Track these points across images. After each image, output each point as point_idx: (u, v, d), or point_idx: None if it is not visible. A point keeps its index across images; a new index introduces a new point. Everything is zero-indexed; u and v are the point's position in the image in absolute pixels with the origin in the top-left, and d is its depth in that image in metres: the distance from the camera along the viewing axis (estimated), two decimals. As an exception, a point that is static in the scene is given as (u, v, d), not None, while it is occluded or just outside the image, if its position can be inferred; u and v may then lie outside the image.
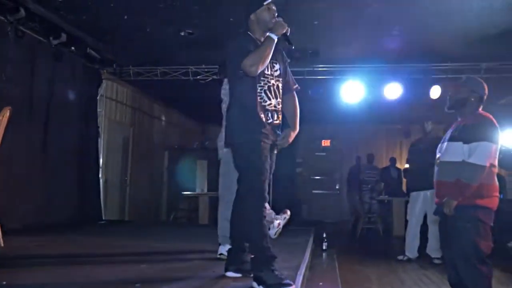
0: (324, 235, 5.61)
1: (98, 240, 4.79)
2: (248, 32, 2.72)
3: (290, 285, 2.45)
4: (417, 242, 5.55)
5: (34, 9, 5.22)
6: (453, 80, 6.35)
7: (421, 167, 5.27)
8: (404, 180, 9.58)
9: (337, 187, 12.22)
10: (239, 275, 2.74)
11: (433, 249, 5.28)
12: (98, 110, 7.38)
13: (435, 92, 7.02)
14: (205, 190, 8.01)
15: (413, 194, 5.61)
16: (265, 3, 2.67)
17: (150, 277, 2.80)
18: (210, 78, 7.28)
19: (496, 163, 2.94)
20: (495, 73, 6.69)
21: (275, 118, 2.68)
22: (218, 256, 3.46)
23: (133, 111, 8.93)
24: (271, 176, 2.76)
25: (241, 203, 2.59)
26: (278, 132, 2.73)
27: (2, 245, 3.70)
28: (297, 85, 2.93)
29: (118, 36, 6.28)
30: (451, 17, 5.35)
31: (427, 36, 6.02)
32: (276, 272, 2.46)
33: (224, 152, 3.55)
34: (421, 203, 5.47)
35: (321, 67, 7.23)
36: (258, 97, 2.61)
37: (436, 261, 5.21)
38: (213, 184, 8.55)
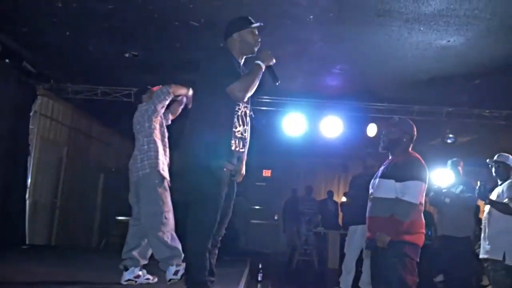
0: (260, 266, 5.57)
1: (17, 266, 4.43)
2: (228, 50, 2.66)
3: None
4: (352, 275, 5.63)
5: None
6: (386, 120, 6.70)
7: (360, 202, 5.42)
8: (341, 214, 9.86)
9: (275, 217, 12.28)
10: None
11: (365, 283, 5.37)
12: (30, 127, 6.96)
13: (372, 130, 7.35)
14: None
15: (352, 227, 5.72)
16: (251, 26, 2.68)
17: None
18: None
19: (423, 201, 3.10)
20: (426, 116, 7.13)
21: (241, 146, 2.65)
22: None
23: (69, 130, 8.53)
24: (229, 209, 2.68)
25: (190, 231, 2.48)
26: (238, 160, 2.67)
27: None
28: (252, 113, 2.94)
29: (58, 52, 6.03)
30: (387, 62, 5.69)
31: (366, 77, 6.35)
32: None
33: (144, 174, 3.51)
34: (359, 237, 5.58)
35: (265, 99, 7.35)
36: (231, 123, 2.58)
37: (368, 295, 5.31)
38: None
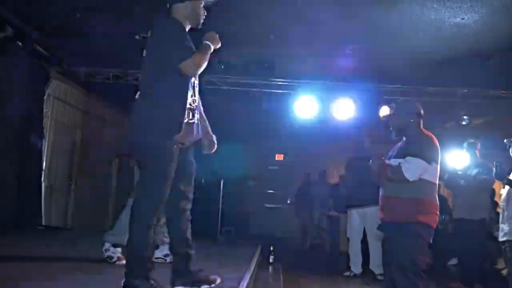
0: (271, 248, 5.60)
1: (33, 245, 4.54)
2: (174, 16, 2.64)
3: None
4: (359, 258, 5.62)
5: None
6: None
7: (355, 184, 5.40)
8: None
9: (288, 201, 12.29)
10: None
11: (376, 265, 5.36)
12: (44, 110, 7.04)
13: (384, 112, 7.25)
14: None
15: (349, 211, 5.72)
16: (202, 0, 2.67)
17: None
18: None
19: (437, 181, 3.05)
20: (440, 97, 7.00)
21: (191, 116, 2.59)
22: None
23: (82, 114, 8.60)
24: (193, 181, 2.68)
25: (134, 204, 2.45)
26: (195, 131, 2.65)
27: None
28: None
29: (69, 34, 6.04)
30: (400, 41, 5.58)
31: (378, 57, 6.23)
32: (152, 282, 2.38)
33: None
34: (358, 220, 5.56)
35: (276, 81, 7.30)
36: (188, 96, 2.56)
37: (380, 277, 5.26)
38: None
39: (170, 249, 2.68)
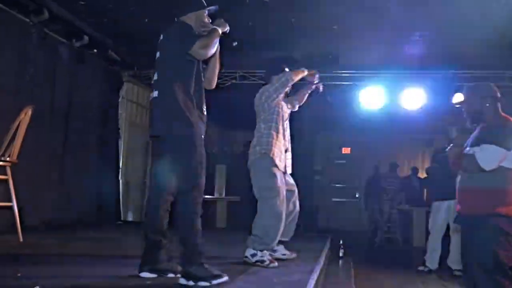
0: (341, 242, 5.52)
1: (114, 239, 4.83)
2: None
3: (222, 276, 2.42)
4: (438, 253, 5.40)
5: (58, 11, 5.34)
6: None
7: (444, 176, 5.12)
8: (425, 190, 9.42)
9: (356, 195, 12.05)
10: (154, 275, 2.59)
11: (454, 261, 5.12)
12: (119, 112, 7.48)
13: (458, 98, 6.86)
14: (223, 195, 8.02)
15: (435, 204, 5.46)
16: (206, 9, 2.80)
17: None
18: (229, 83, 7.30)
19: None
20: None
21: (205, 109, 2.70)
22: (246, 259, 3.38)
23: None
24: None
25: (182, 197, 2.51)
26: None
27: (21, 240, 3.78)
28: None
29: (139, 40, 6.36)
30: (473, 24, 5.23)
31: (450, 42, 5.91)
32: (207, 266, 2.42)
33: (252, 161, 3.53)
34: (443, 213, 5.32)
35: (340, 73, 7.17)
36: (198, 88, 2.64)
37: (457, 273, 5.04)
38: (231, 189, 8.57)
39: (144, 233, 2.68)
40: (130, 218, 7.97)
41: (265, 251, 3.35)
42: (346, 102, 7.66)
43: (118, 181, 7.41)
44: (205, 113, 2.69)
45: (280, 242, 3.63)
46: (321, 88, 3.98)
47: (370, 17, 5.25)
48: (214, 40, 2.63)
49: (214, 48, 2.64)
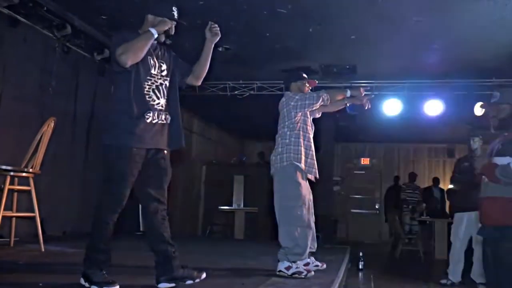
0: (361, 254, 5.45)
1: (132, 250, 4.85)
2: (139, 31, 2.65)
3: (114, 284, 2.46)
4: (461, 266, 5.27)
5: (80, 26, 5.48)
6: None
7: (466, 187, 5.02)
8: (448, 202, 9.24)
9: (376, 206, 11.91)
10: (172, 284, 2.61)
11: (478, 274, 4.98)
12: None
13: (479, 109, 6.74)
14: (242, 205, 8.01)
15: (457, 215, 5.35)
16: (169, 17, 2.69)
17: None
18: (248, 94, 7.34)
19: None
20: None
21: (162, 118, 2.63)
22: (278, 272, 3.35)
23: (172, 126, 9.11)
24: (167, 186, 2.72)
25: (98, 202, 2.60)
26: (165, 135, 2.67)
27: (43, 249, 3.84)
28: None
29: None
30: (493, 32, 5.16)
31: (469, 50, 5.83)
32: (104, 272, 2.48)
33: (277, 168, 3.50)
34: (465, 225, 5.20)
35: (358, 83, 7.13)
36: (146, 96, 2.56)
37: (481, 287, 4.91)
38: (249, 200, 8.56)
39: (150, 247, 2.71)
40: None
41: (298, 262, 3.31)
42: (364, 112, 7.59)
43: (138, 192, 7.47)
44: (148, 120, 2.57)
45: (310, 253, 3.59)
46: (368, 105, 3.88)
47: (388, 27, 5.23)
48: (136, 44, 2.46)
49: (141, 53, 2.48)
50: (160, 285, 2.58)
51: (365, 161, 12.36)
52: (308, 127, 3.61)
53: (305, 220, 3.37)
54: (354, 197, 12.22)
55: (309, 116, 3.65)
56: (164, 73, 2.69)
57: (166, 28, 2.63)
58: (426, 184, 10.22)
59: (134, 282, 2.78)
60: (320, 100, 3.53)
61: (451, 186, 9.53)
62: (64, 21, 5.20)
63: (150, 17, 2.67)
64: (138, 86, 2.54)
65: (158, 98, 2.61)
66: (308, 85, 3.80)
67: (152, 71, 2.61)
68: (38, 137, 3.78)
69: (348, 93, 3.73)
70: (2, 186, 3.64)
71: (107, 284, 2.44)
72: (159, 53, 2.69)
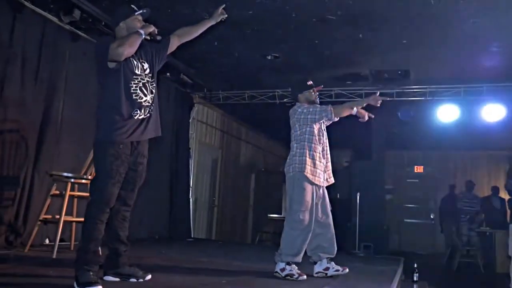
0: (415, 266, 5.25)
1: (185, 255, 4.96)
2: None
3: (97, 284, 2.50)
4: (523, 281, 4.95)
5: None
6: None
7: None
8: (510, 211, 8.74)
9: (431, 216, 11.46)
10: (117, 279, 2.81)
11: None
12: (190, 132, 7.76)
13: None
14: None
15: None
16: (136, 14, 2.84)
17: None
18: (296, 101, 7.33)
19: None
20: None
21: (147, 113, 2.80)
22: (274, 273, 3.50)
23: (222, 134, 9.27)
24: (140, 179, 2.91)
25: (89, 201, 2.69)
26: (148, 126, 2.83)
27: (100, 253, 4.00)
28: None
29: (208, 62, 6.61)
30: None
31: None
32: (91, 273, 2.54)
33: (287, 178, 3.66)
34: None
35: (411, 88, 6.93)
36: (134, 94, 2.74)
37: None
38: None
39: (105, 242, 2.83)
40: (199, 235, 8.17)
41: (293, 265, 3.46)
42: (418, 118, 7.37)
43: (189, 199, 7.65)
44: (136, 117, 2.75)
45: (330, 259, 3.69)
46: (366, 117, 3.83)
47: (442, 29, 5.04)
48: (130, 39, 2.66)
49: (133, 47, 2.66)
50: (105, 277, 2.81)
51: (418, 169, 11.95)
52: (315, 138, 3.68)
53: (305, 225, 3.51)
54: (407, 206, 11.82)
55: (316, 127, 3.71)
56: (147, 71, 2.87)
57: (151, 30, 2.80)
58: (485, 193, 9.73)
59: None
60: (324, 117, 3.62)
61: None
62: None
63: (122, 24, 2.83)
64: (125, 85, 2.73)
65: (145, 95, 2.80)
66: (314, 91, 3.82)
67: (136, 71, 2.79)
68: (96, 145, 3.95)
69: (355, 110, 3.73)
70: (64, 192, 3.84)
71: (89, 284, 2.50)
72: (141, 54, 2.85)
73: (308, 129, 3.67)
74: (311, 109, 3.65)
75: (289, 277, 3.42)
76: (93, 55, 2.83)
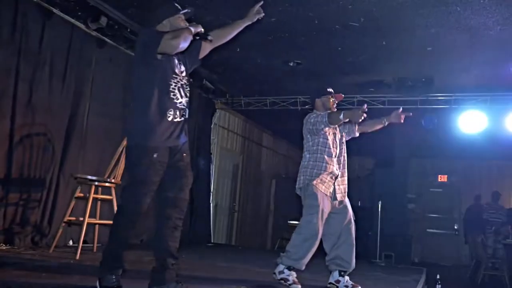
0: (438, 277, 5.14)
1: (205, 260, 4.99)
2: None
3: None
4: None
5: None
6: None
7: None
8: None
9: (455, 227, 11.20)
10: None
11: None
12: (211, 138, 7.82)
13: None
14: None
15: None
16: (180, 13, 2.72)
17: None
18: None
19: None
20: None
21: (181, 116, 2.65)
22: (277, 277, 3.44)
23: (243, 140, 9.30)
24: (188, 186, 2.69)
25: (119, 207, 2.62)
26: (183, 132, 2.66)
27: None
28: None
29: (230, 68, 6.66)
30: None
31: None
32: (114, 277, 2.50)
33: (301, 188, 3.60)
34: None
35: (436, 96, 6.82)
36: (171, 94, 2.59)
37: None
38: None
39: (152, 252, 2.67)
40: (219, 240, 8.19)
41: (293, 272, 3.39)
42: (442, 127, 7.24)
43: (209, 204, 7.69)
44: (169, 119, 2.59)
45: (344, 272, 3.56)
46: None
47: (468, 37, 4.96)
48: (184, 33, 2.50)
49: (186, 42, 2.50)
50: None
51: (442, 178, 11.72)
52: (328, 149, 3.58)
53: (314, 230, 3.39)
54: (430, 216, 11.59)
55: (329, 139, 3.60)
56: (183, 73, 2.74)
57: (199, 29, 2.62)
58: (511, 204, 9.47)
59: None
60: (321, 123, 3.47)
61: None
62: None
63: (165, 22, 2.70)
64: (165, 82, 2.59)
65: (182, 97, 2.65)
66: (333, 100, 3.71)
67: (176, 71, 2.66)
68: (120, 150, 4.02)
69: (385, 123, 3.78)
70: (87, 195, 3.92)
71: None
72: (179, 56, 2.74)
73: (321, 140, 3.57)
74: (318, 118, 3.53)
75: (282, 281, 3.35)
76: (139, 44, 2.63)
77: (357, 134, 3.87)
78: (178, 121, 2.62)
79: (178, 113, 2.61)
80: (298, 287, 3.33)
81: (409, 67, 6.10)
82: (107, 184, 4.01)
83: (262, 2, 2.91)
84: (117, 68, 5.43)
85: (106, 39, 5.23)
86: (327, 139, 3.60)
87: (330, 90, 3.75)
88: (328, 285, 3.55)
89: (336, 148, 3.65)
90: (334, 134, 3.68)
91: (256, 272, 4.20)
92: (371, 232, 8.16)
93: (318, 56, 5.97)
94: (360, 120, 3.39)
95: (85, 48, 4.97)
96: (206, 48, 2.87)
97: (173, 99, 2.59)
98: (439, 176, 11.71)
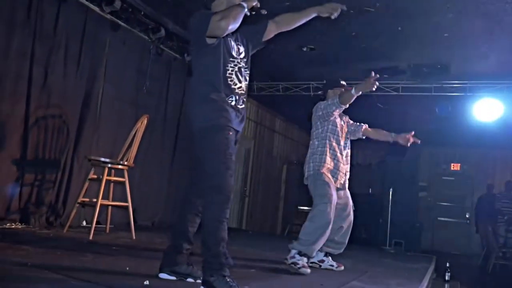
0: (448, 265, 5.15)
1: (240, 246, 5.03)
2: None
3: None
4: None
5: (173, 29, 5.79)
6: None
7: None
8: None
9: (467, 215, 11.14)
10: (173, 277, 2.51)
11: None
12: (224, 122, 7.82)
13: None
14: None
15: None
16: None
17: (257, 279, 2.85)
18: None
19: None
20: None
21: (241, 103, 2.47)
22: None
23: (255, 125, 9.30)
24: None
25: (205, 201, 2.37)
26: (244, 119, 2.52)
27: (134, 238, 4.14)
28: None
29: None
30: None
31: None
32: (228, 279, 2.23)
33: (307, 177, 3.65)
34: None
35: (451, 83, 6.72)
36: (229, 79, 2.42)
37: None
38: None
39: (171, 233, 2.61)
40: (230, 224, 8.26)
41: (304, 258, 3.43)
42: (456, 114, 7.16)
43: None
44: (232, 104, 2.43)
45: (329, 254, 3.76)
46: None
47: (485, 23, 4.86)
48: (234, 11, 2.31)
49: (237, 22, 2.33)
50: (161, 274, 2.54)
51: (455, 166, 11.62)
52: (336, 137, 3.69)
53: (327, 218, 3.42)
54: (441, 204, 11.53)
55: (338, 125, 3.72)
56: (242, 55, 2.55)
57: (254, 3, 2.45)
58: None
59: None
60: (333, 106, 3.55)
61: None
62: (159, 24, 5.54)
63: (216, 2, 2.53)
64: (223, 67, 2.42)
65: (240, 82, 2.48)
66: (344, 88, 3.80)
67: (233, 53, 2.49)
68: (133, 133, 4.07)
69: (392, 138, 3.96)
70: (101, 176, 3.98)
71: None
72: (237, 35, 2.57)
73: (330, 126, 3.68)
74: (329, 101, 3.62)
75: (293, 265, 3.39)
76: (190, 29, 2.47)
77: (362, 136, 3.93)
78: (241, 107, 2.48)
79: (237, 98, 2.46)
80: (308, 271, 3.38)
81: (424, 53, 6.01)
82: (120, 167, 4.06)
83: (344, 7, 2.78)
84: (130, 51, 5.45)
85: (120, 22, 5.24)
86: (336, 126, 3.71)
87: (343, 82, 3.86)
88: (311, 264, 3.62)
89: (341, 139, 3.76)
90: (342, 126, 3.79)
91: (265, 256, 4.24)
92: (381, 219, 8.16)
93: (332, 42, 5.91)
94: (374, 88, 3.48)
95: (99, 31, 4.98)
96: (271, 32, 2.68)
97: (230, 85, 2.43)
98: (452, 164, 11.61)
